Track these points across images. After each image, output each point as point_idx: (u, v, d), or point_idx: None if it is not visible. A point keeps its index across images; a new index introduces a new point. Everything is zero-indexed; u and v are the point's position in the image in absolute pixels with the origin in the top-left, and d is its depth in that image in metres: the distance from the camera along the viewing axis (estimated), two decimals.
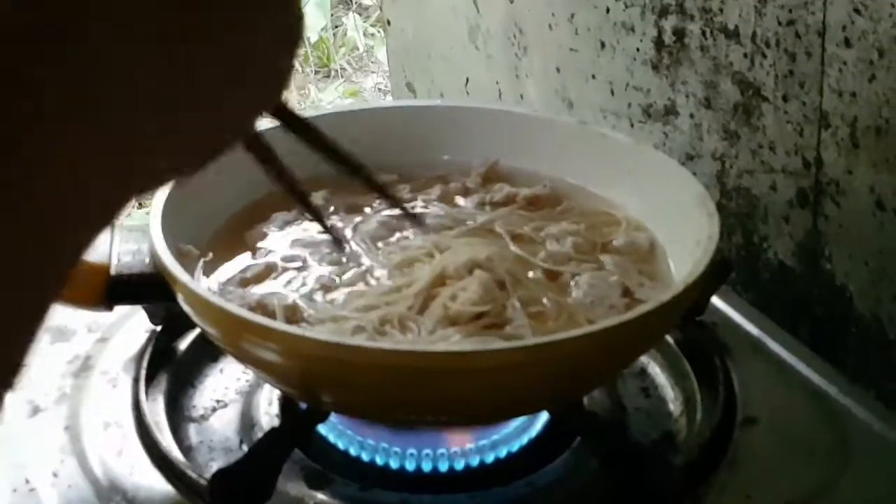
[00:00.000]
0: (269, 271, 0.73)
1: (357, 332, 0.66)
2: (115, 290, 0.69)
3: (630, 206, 0.78)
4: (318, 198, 0.79)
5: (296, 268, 0.73)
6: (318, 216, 0.63)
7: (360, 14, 3.06)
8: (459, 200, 0.81)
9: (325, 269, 0.73)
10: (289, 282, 0.72)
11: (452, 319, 0.66)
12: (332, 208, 0.79)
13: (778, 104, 0.85)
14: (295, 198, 0.56)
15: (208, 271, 0.73)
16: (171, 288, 0.66)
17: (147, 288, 0.69)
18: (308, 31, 2.90)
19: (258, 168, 0.77)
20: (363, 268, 0.73)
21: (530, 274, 0.72)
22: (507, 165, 0.83)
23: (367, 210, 0.79)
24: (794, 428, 0.72)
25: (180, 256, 0.69)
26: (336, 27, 3.03)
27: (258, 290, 0.71)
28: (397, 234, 0.77)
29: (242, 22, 0.35)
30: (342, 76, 2.95)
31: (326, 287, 0.71)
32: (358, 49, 3.00)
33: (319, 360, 0.61)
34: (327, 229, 0.66)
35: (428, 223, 0.76)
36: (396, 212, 0.76)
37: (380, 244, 0.75)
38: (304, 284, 0.72)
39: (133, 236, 0.72)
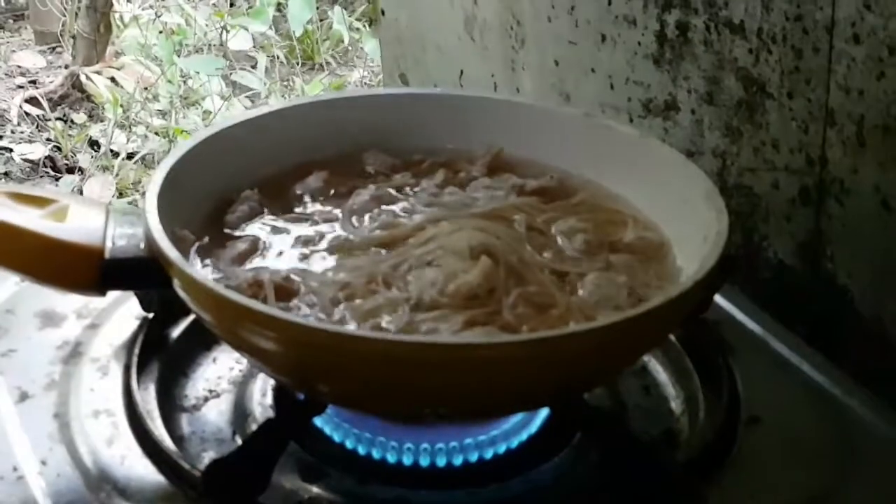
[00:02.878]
0: (255, 246, 0.72)
1: (344, 288, 0.67)
2: (109, 274, 0.67)
3: (636, 200, 0.77)
4: (318, 179, 0.79)
5: (281, 240, 0.73)
6: None
7: (345, 8, 3.04)
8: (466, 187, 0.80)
9: (311, 238, 0.73)
10: (280, 253, 0.72)
11: (448, 296, 0.66)
12: (332, 191, 0.79)
13: (783, 101, 0.84)
14: None
15: (203, 255, 0.71)
16: (166, 273, 0.64)
17: (141, 273, 0.67)
18: (294, 24, 2.88)
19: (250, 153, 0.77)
20: (352, 237, 0.73)
21: (538, 270, 0.70)
22: (511, 155, 0.82)
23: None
24: (798, 428, 0.71)
25: (176, 241, 0.67)
26: (321, 20, 3.01)
27: (250, 266, 0.70)
28: (391, 207, 0.77)
29: None
30: (327, 70, 2.93)
31: (318, 254, 0.72)
32: (343, 43, 2.98)
33: (316, 348, 0.60)
34: None
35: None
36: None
37: (367, 217, 0.76)
38: (291, 254, 0.72)
39: (128, 220, 0.70)
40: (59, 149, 2.44)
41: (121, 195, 2.31)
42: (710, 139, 0.92)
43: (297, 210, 0.77)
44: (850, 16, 0.76)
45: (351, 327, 0.64)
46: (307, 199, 0.78)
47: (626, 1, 0.96)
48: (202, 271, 0.68)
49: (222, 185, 0.76)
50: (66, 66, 2.74)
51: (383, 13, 1.37)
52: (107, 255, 0.67)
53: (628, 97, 0.99)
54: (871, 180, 0.78)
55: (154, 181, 0.69)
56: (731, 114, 0.89)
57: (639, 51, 0.96)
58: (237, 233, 0.74)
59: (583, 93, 1.05)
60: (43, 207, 0.69)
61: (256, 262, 0.71)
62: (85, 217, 0.69)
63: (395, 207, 0.77)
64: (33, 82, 2.71)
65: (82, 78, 2.63)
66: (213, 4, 3.02)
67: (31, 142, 2.45)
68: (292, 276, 0.68)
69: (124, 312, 0.78)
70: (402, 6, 1.33)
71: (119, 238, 0.68)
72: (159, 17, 2.87)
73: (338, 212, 0.76)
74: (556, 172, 0.80)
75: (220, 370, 0.76)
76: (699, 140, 0.93)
